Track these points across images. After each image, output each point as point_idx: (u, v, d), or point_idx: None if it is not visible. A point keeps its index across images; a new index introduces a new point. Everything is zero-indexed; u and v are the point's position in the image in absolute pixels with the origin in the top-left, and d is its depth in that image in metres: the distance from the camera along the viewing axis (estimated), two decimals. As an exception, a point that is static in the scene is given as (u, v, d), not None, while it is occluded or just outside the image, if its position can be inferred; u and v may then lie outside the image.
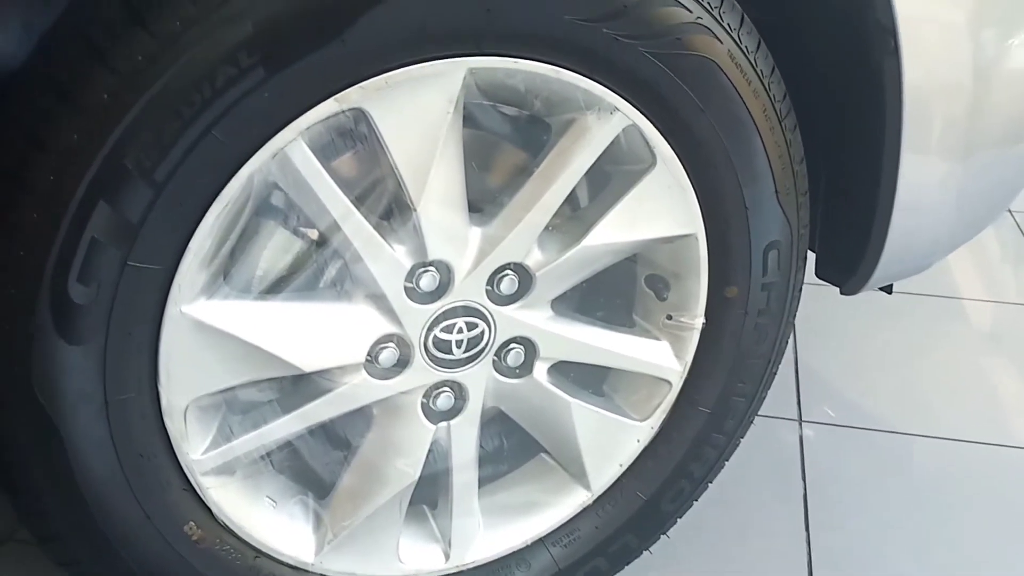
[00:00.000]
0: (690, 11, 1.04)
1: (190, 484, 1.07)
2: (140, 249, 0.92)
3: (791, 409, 1.84)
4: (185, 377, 1.01)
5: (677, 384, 1.27)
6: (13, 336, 0.92)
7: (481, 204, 1.12)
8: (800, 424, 1.81)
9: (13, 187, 0.89)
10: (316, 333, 1.07)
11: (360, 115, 0.98)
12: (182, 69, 0.87)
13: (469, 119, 1.06)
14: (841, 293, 1.38)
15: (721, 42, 1.07)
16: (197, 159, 0.91)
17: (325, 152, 1.00)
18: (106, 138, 0.87)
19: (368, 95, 0.96)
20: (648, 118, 1.08)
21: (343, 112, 0.96)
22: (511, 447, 1.32)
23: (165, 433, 1.03)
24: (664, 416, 1.28)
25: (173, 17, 0.87)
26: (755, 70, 1.11)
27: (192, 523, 1.08)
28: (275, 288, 1.07)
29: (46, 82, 0.90)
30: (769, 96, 1.13)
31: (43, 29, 1.18)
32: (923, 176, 1.23)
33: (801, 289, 1.29)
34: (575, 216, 1.17)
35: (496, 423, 1.29)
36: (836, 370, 1.98)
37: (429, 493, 1.24)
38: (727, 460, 1.37)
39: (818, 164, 1.28)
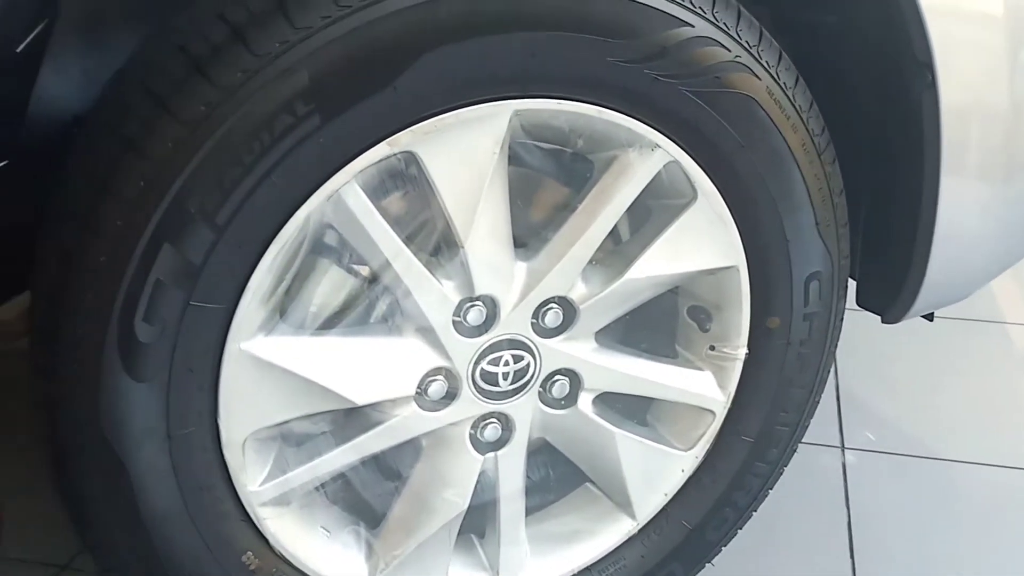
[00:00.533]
0: (729, 50, 1.07)
1: (248, 515, 1.10)
2: (202, 289, 0.96)
3: (833, 435, 1.84)
4: (244, 411, 1.04)
5: (721, 414, 1.28)
6: (83, 374, 0.97)
7: (526, 239, 1.15)
8: (842, 451, 1.81)
9: (83, 232, 0.94)
10: (368, 367, 1.10)
11: (410, 157, 1.01)
12: (242, 118, 0.91)
13: (514, 157, 1.09)
14: (883, 322, 1.39)
15: (759, 79, 1.10)
16: (256, 203, 0.95)
17: (376, 193, 1.04)
18: (171, 185, 0.92)
19: (417, 138, 0.99)
20: (689, 154, 1.11)
21: (394, 155, 1.00)
22: (557, 477, 1.34)
23: (224, 466, 1.06)
24: (708, 446, 1.30)
25: (234, 68, 0.91)
26: (793, 105, 1.13)
27: (250, 553, 1.11)
28: (329, 324, 1.10)
29: (113, 132, 0.94)
30: (808, 130, 1.15)
31: (102, 76, 1.24)
32: (963, 204, 1.25)
33: (843, 318, 1.31)
34: (618, 250, 1.19)
35: (542, 453, 1.31)
36: (878, 396, 1.98)
37: (477, 522, 1.27)
38: (771, 489, 1.38)
39: (859, 194, 1.29)
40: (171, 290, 0.95)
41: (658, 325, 1.29)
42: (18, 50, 0.97)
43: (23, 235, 1.29)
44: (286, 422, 1.10)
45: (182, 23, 0.97)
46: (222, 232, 0.95)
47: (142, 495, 1.03)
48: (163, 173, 0.91)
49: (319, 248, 1.07)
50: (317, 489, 1.17)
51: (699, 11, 1.04)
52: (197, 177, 0.92)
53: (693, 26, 1.04)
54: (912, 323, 1.51)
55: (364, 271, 1.11)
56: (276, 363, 1.04)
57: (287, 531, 1.14)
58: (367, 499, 1.22)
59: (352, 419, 1.14)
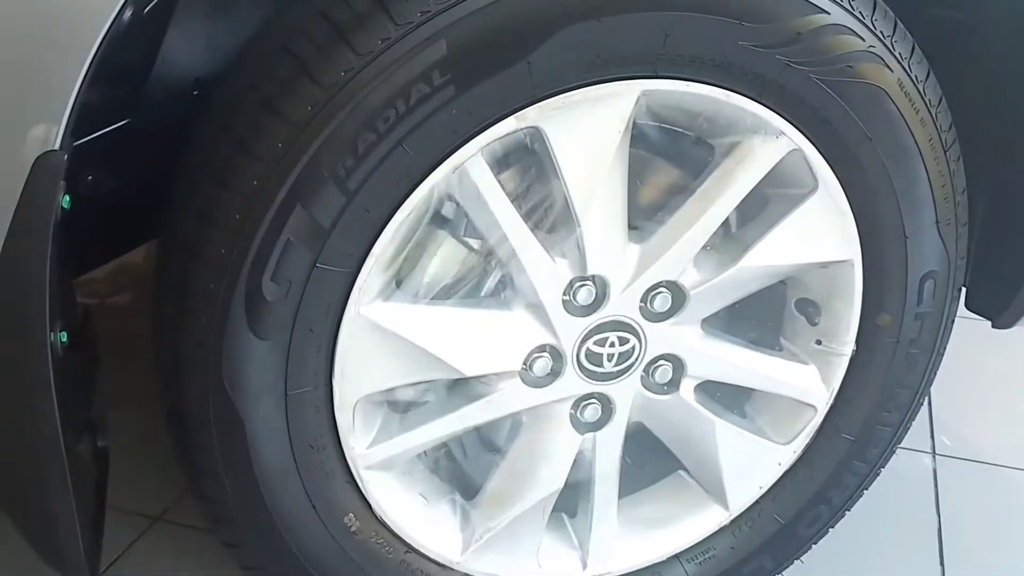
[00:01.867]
0: (863, 39, 1.05)
1: (353, 477, 1.12)
2: (329, 252, 0.98)
3: (924, 440, 1.81)
4: (358, 374, 1.06)
5: (822, 410, 1.27)
6: (210, 328, 0.99)
7: (639, 222, 1.14)
8: (933, 456, 1.78)
9: (220, 189, 0.96)
10: (477, 340, 1.11)
11: (535, 133, 1.02)
12: (380, 85, 0.93)
13: (635, 138, 1.09)
14: (993, 327, 1.36)
15: (891, 70, 1.08)
16: (387, 170, 0.96)
17: (499, 167, 1.04)
18: (307, 147, 0.93)
19: (545, 114, 1.00)
20: (813, 143, 1.09)
21: (521, 130, 1.00)
22: (650, 462, 1.33)
23: (335, 427, 1.08)
24: (807, 441, 1.28)
25: (375, 36, 0.92)
26: (923, 99, 1.11)
27: (352, 515, 1.14)
28: (442, 294, 1.12)
29: (254, 93, 0.96)
30: (936, 125, 1.13)
31: (226, 41, 1.26)
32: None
33: (954, 320, 1.28)
34: (731, 237, 1.18)
35: (637, 437, 1.31)
36: (971, 402, 1.94)
37: (570, 501, 1.27)
38: (866, 488, 1.36)
39: (977, 194, 1.26)
40: (300, 250, 0.97)
41: (763, 316, 1.27)
42: (145, 11, 0.99)
43: (140, 193, 1.33)
44: (395, 388, 1.11)
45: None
46: (352, 197, 0.96)
47: (256, 449, 1.05)
48: (301, 136, 0.93)
49: (436, 219, 1.08)
50: (419, 457, 1.19)
51: (835, -2, 1.03)
52: (333, 141, 0.93)
53: (829, 13, 1.03)
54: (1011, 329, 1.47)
55: (479, 244, 1.12)
56: (392, 329, 1.05)
57: (388, 496, 1.16)
58: (466, 470, 1.23)
59: (457, 390, 1.16)
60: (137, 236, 1.50)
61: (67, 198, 0.88)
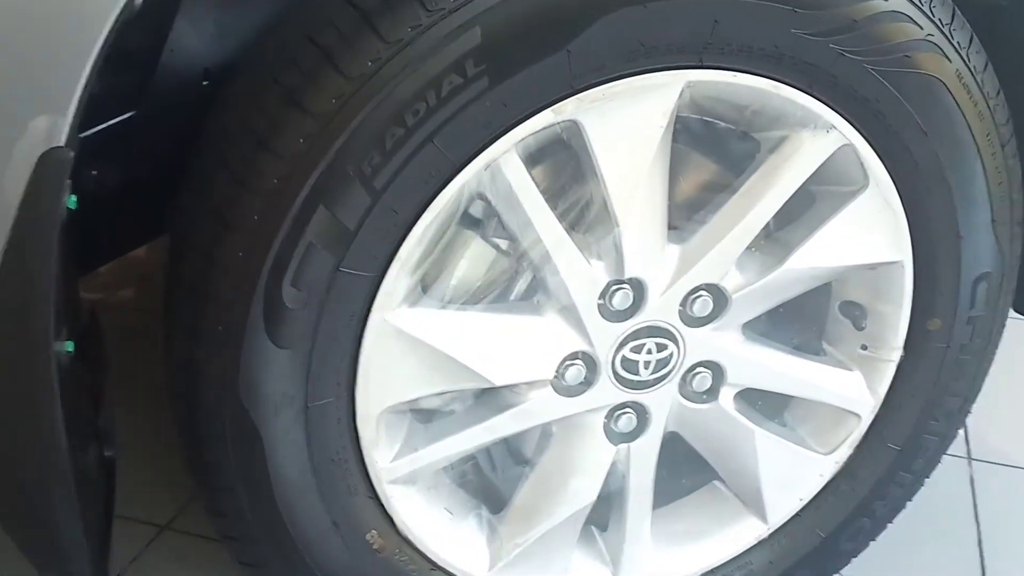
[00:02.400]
0: (921, 27, 0.98)
1: (375, 492, 1.06)
2: (353, 256, 0.92)
3: (959, 446, 1.74)
4: (382, 384, 1.00)
5: (867, 418, 1.21)
6: (226, 337, 0.93)
7: (679, 221, 1.08)
8: (969, 462, 1.71)
9: (237, 188, 0.90)
10: (507, 347, 1.05)
11: (572, 126, 0.95)
12: (409, 76, 0.86)
13: (675, 132, 1.02)
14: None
15: (950, 60, 1.01)
16: (415, 168, 0.90)
17: (533, 163, 0.98)
18: (331, 144, 0.87)
19: (584, 107, 0.93)
20: (865, 137, 1.03)
21: (558, 123, 0.94)
22: (686, 472, 1.27)
23: (357, 439, 1.02)
24: (851, 451, 1.22)
25: (404, 23, 0.86)
26: (981, 91, 1.04)
27: (374, 531, 1.08)
28: (469, 298, 1.05)
29: (274, 85, 0.90)
30: (993, 120, 1.06)
31: (235, 29, 1.20)
32: None
33: (1005, 324, 1.22)
34: (775, 237, 1.12)
35: (671, 446, 1.25)
36: (1007, 405, 1.87)
37: (601, 514, 1.21)
38: (910, 500, 1.30)
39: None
40: (322, 254, 0.91)
41: (806, 319, 1.21)
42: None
43: (147, 188, 1.27)
44: (421, 398, 1.05)
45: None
46: (379, 196, 0.90)
47: (274, 464, 0.99)
48: (324, 131, 0.87)
49: (464, 219, 1.02)
50: (444, 470, 1.13)
51: (893, -17, 0.96)
52: (359, 137, 0.87)
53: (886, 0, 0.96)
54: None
55: (506, 245, 1.05)
56: (418, 336, 0.99)
57: (412, 511, 1.10)
58: (493, 483, 1.17)
59: (485, 399, 1.10)
60: (144, 233, 1.45)
61: (73, 198, 0.81)
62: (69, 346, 0.88)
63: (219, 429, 0.97)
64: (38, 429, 0.86)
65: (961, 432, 1.78)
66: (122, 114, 1.13)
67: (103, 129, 1.08)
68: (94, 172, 1.09)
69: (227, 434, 0.98)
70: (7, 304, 0.80)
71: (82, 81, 0.76)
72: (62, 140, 0.77)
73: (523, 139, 0.93)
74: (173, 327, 0.98)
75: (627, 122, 0.96)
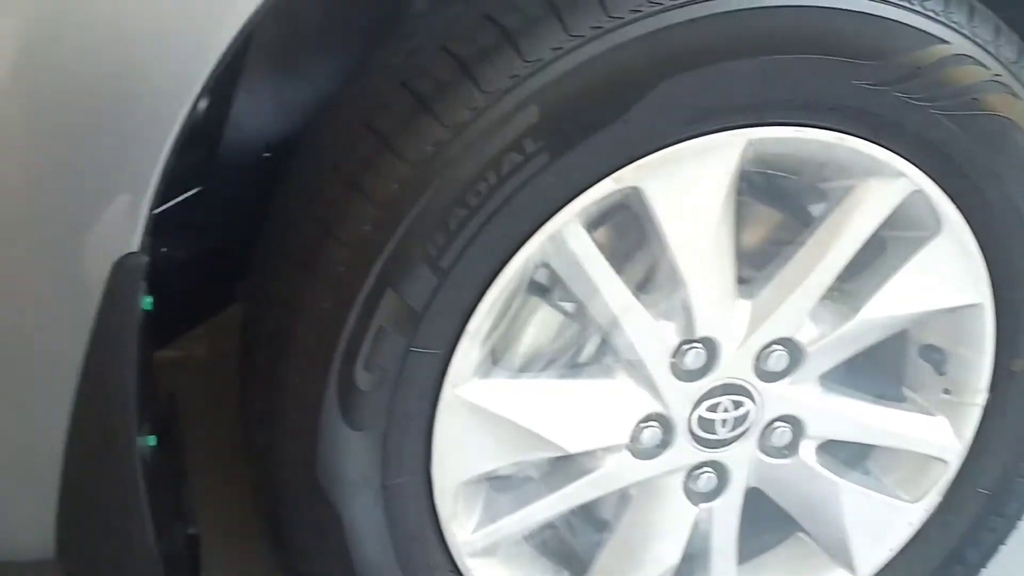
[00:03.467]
0: (987, 68, 0.96)
1: (456, 566, 1.06)
2: (423, 335, 0.92)
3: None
4: (457, 459, 1.00)
5: (955, 464, 1.17)
6: (300, 421, 0.94)
7: (748, 274, 1.06)
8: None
9: (305, 276, 0.91)
10: (581, 413, 1.04)
11: (633, 191, 0.95)
12: (470, 157, 0.87)
13: (740, 188, 1.01)
14: None
15: (1020, 99, 0.98)
16: (480, 245, 0.90)
17: (596, 229, 0.97)
18: (396, 228, 0.88)
19: (645, 172, 0.93)
20: (936, 182, 1.01)
21: (619, 191, 0.93)
22: (767, 526, 1.24)
23: (435, 515, 1.02)
24: (940, 498, 1.18)
25: (461, 105, 0.86)
26: (1054, 126, 1.01)
27: (457, 605, 1.07)
28: (539, 366, 1.05)
29: (335, 170, 0.91)
30: (1068, 154, 1.03)
31: (295, 103, 1.22)
32: None
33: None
34: (848, 287, 1.09)
35: (752, 500, 1.22)
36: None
37: (684, 574, 1.19)
38: (1003, 543, 1.25)
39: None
40: (393, 336, 0.91)
41: (884, 366, 1.18)
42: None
43: (216, 260, 1.29)
44: (496, 470, 1.04)
45: (399, 57, 0.94)
46: (445, 276, 0.90)
47: (355, 545, 0.99)
48: (388, 216, 0.87)
49: (529, 286, 1.02)
50: (524, 538, 1.12)
51: (955, 26, 0.94)
52: (423, 220, 0.87)
53: (949, 43, 0.94)
54: None
55: (575, 310, 1.05)
56: (490, 408, 0.99)
57: (493, 582, 1.09)
58: (573, 548, 1.16)
59: (561, 465, 1.08)
60: (217, 304, 1.47)
61: (149, 299, 0.83)
62: (151, 440, 0.90)
63: (299, 511, 0.98)
64: (125, 525, 0.87)
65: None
66: (189, 190, 1.16)
67: (171, 206, 1.10)
68: (164, 249, 1.11)
69: (307, 516, 0.98)
70: (91, 406, 0.82)
71: (151, 190, 0.77)
72: (136, 246, 0.79)
73: (584, 208, 0.93)
74: (250, 414, 0.99)
75: (689, 184, 0.95)
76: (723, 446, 1.09)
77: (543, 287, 1.03)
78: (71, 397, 0.81)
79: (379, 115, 0.89)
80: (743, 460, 1.11)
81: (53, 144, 0.74)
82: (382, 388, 0.93)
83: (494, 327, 0.98)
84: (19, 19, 0.72)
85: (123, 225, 0.77)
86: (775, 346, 1.06)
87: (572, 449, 1.03)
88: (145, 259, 0.79)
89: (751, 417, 1.09)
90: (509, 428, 1.01)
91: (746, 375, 1.06)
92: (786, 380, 1.08)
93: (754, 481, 1.15)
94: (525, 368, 1.04)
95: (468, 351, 0.96)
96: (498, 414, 1.00)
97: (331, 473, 0.95)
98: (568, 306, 1.05)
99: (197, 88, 0.75)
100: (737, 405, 1.08)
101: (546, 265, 0.98)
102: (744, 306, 1.05)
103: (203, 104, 0.78)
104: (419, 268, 0.89)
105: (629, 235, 1.01)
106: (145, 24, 0.73)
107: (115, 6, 0.73)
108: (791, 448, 1.12)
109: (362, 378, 0.92)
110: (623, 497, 1.12)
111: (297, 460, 0.95)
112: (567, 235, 0.94)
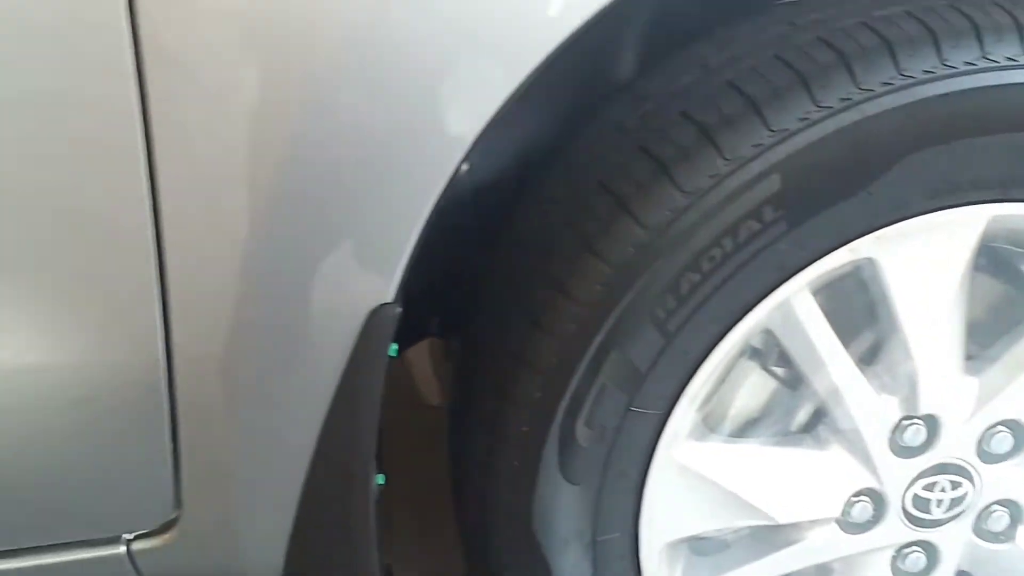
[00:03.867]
0: None
1: (655, 625, 1.05)
2: (643, 395, 0.93)
3: None
4: (665, 519, 1.00)
5: None
6: (520, 472, 0.96)
7: (975, 350, 1.02)
8: None
9: (535, 331, 0.93)
10: (792, 483, 1.02)
11: (867, 262, 0.93)
12: (707, 224, 0.87)
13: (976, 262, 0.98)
14: None
15: None
16: (708, 310, 0.90)
17: (824, 299, 0.96)
18: (627, 290, 0.89)
19: (882, 243, 0.91)
20: None
21: (852, 261, 0.92)
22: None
23: (639, 573, 1.02)
24: None
25: (703, 172, 0.87)
26: None
27: (654, 664, 1.06)
28: (750, 431, 1.04)
29: (569, 230, 0.93)
30: None
31: (508, 150, 1.25)
32: None
33: None
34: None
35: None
36: None
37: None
38: None
39: None
40: (615, 395, 0.92)
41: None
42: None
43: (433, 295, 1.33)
44: (701, 533, 1.04)
45: (632, 119, 0.95)
46: (671, 339, 0.91)
47: (561, 598, 1.00)
48: (622, 277, 0.89)
49: (745, 350, 1.01)
50: (721, 602, 1.10)
51: None
52: (655, 283, 0.88)
53: None
54: None
55: (783, 373, 1.03)
56: (702, 472, 0.99)
57: (690, 643, 1.08)
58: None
59: (764, 534, 1.07)
60: (407, 342, 1.51)
61: (395, 346, 0.87)
62: (380, 479, 0.94)
63: (510, 561, 1.00)
64: (354, 556, 0.91)
65: None
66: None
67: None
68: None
69: (517, 562, 1.00)
70: (334, 443, 0.86)
71: (411, 243, 0.82)
72: (391, 296, 0.83)
73: (817, 277, 0.92)
74: (464, 462, 1.02)
75: (925, 258, 0.92)
76: (936, 526, 1.05)
77: (757, 351, 1.02)
78: (316, 433, 0.86)
79: (617, 177, 0.91)
80: (956, 542, 1.07)
81: (333, 201, 0.79)
82: (600, 444, 0.94)
83: (712, 392, 0.98)
84: (297, 77, 0.77)
85: (382, 276, 0.81)
86: (1000, 427, 1.02)
87: (782, 520, 1.02)
88: (399, 310, 0.83)
89: (969, 499, 1.04)
90: (719, 493, 1.00)
91: (967, 455, 1.02)
92: (1009, 462, 1.03)
93: (965, 564, 1.10)
94: (737, 433, 1.03)
95: (685, 413, 0.96)
96: (709, 478, 0.99)
97: (545, 524, 0.97)
98: (781, 371, 1.04)
99: (465, 149, 0.78)
100: (955, 486, 1.03)
101: (767, 331, 0.97)
102: (971, 384, 1.01)
103: (466, 166, 0.82)
104: (647, 330, 0.90)
105: (858, 307, 0.99)
106: (420, 82, 0.78)
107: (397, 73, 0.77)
108: (1008, 534, 1.07)
109: (582, 433, 0.93)
110: (824, 570, 1.09)
111: (512, 508, 0.97)
112: (796, 303, 0.93)
